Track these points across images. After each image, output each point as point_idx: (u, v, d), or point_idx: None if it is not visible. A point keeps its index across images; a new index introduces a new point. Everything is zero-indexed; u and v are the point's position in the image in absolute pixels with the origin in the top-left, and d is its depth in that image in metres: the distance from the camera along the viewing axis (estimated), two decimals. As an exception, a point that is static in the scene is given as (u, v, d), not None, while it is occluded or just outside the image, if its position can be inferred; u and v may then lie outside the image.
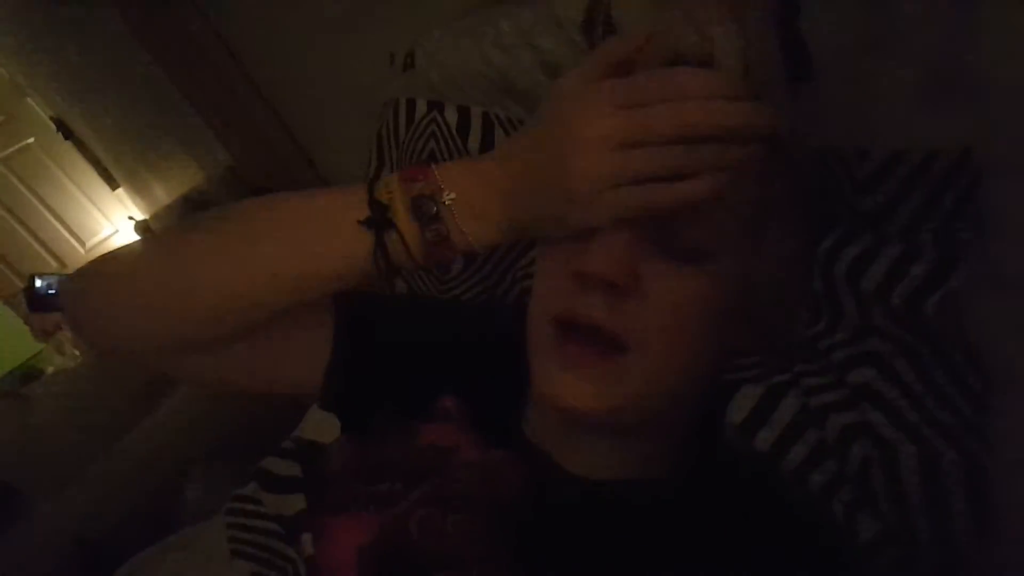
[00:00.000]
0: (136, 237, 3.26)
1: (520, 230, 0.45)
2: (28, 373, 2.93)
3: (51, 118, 3.41)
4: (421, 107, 0.90)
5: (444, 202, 0.43)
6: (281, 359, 0.56)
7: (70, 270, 3.51)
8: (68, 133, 3.37)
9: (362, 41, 1.41)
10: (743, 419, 0.55)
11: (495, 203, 0.44)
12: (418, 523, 0.49)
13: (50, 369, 2.79)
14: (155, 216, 3.20)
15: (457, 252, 0.45)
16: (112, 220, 3.67)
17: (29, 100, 3.44)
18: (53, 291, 2.72)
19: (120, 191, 3.53)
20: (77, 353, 2.75)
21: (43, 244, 3.49)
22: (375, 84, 1.11)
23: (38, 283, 2.71)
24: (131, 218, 3.46)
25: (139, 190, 3.33)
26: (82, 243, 3.61)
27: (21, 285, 3.15)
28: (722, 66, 0.42)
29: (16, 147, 3.42)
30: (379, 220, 0.44)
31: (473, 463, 0.53)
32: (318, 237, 0.47)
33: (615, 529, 0.48)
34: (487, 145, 0.83)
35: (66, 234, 3.56)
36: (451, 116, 0.86)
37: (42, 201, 3.49)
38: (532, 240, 0.79)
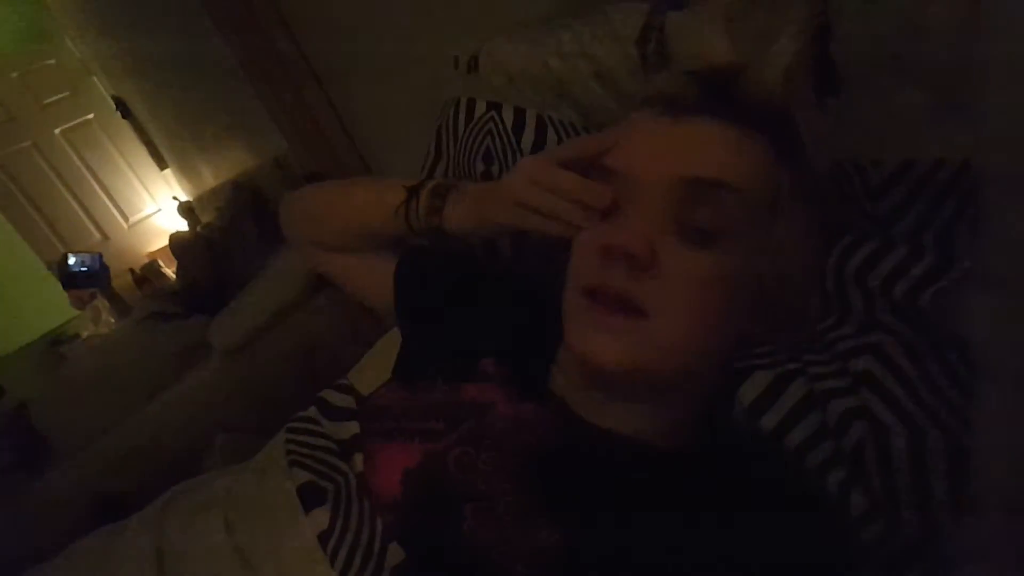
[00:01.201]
0: (179, 217, 3.38)
1: (483, 221, 0.64)
2: (63, 336, 3.05)
3: (112, 97, 3.56)
4: (480, 106, 0.98)
5: (451, 194, 0.66)
6: (371, 274, 0.79)
7: (112, 243, 3.65)
8: (126, 112, 3.52)
9: (424, 49, 1.50)
10: (752, 400, 0.61)
11: (474, 203, 0.64)
12: (455, 459, 0.56)
13: (85, 334, 2.89)
14: (199, 198, 3.32)
15: (439, 222, 0.67)
16: (156, 199, 3.80)
17: (94, 78, 3.60)
18: (85, 268, 2.81)
19: (167, 172, 3.67)
20: (112, 321, 2.85)
21: (89, 215, 3.64)
22: (432, 86, 1.20)
23: (71, 260, 2.80)
24: (175, 198, 3.59)
25: (187, 172, 3.46)
26: (126, 218, 3.75)
27: (64, 252, 3.27)
28: (758, 78, 0.50)
29: (76, 121, 3.58)
30: (415, 189, 0.69)
31: (506, 414, 0.59)
32: (388, 194, 0.71)
33: (623, 474, 0.54)
34: (539, 144, 0.91)
35: (112, 208, 3.71)
36: (508, 116, 0.94)
37: (94, 175, 3.65)
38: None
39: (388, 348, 1.21)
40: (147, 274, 3.46)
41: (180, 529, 0.65)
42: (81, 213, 3.60)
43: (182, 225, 3.40)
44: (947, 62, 0.48)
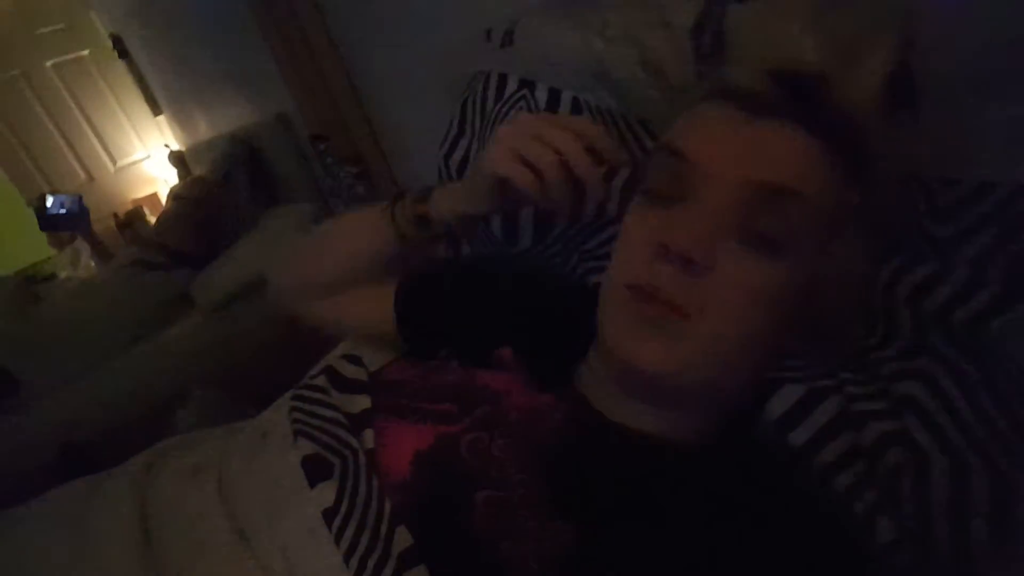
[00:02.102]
0: (169, 166, 3.28)
1: (473, 198, 0.63)
2: (39, 275, 2.96)
3: (110, 34, 3.44)
4: (512, 83, 0.94)
5: (436, 189, 0.66)
6: (372, 305, 0.76)
7: (96, 185, 3.54)
8: (123, 52, 3.40)
9: (445, 14, 1.45)
10: (782, 414, 0.59)
11: (463, 183, 0.64)
12: (468, 444, 0.53)
13: (63, 274, 2.81)
14: (191, 149, 3.23)
15: (427, 214, 0.66)
16: (147, 145, 3.70)
17: (92, 13, 3.47)
18: (64, 210, 2.71)
19: (161, 118, 3.56)
20: (92, 265, 2.76)
21: (76, 155, 3.53)
22: (450, 53, 1.15)
23: (49, 201, 2.69)
24: (166, 146, 3.49)
25: (181, 121, 3.36)
26: (113, 161, 3.65)
27: (47, 189, 3.17)
28: (848, 93, 0.48)
29: (70, 56, 3.46)
30: (398, 195, 0.68)
31: (521, 404, 0.56)
32: (370, 211, 0.71)
33: (642, 472, 0.52)
34: (572, 128, 0.87)
35: (100, 150, 3.60)
36: (541, 96, 0.90)
37: (83, 113, 3.53)
38: (597, 225, 0.83)
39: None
40: (131, 220, 3.37)
41: (167, 492, 0.62)
42: (67, 151, 3.48)
43: (171, 175, 3.31)
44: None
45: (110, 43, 3.45)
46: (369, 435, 0.55)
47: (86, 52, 3.50)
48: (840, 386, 0.59)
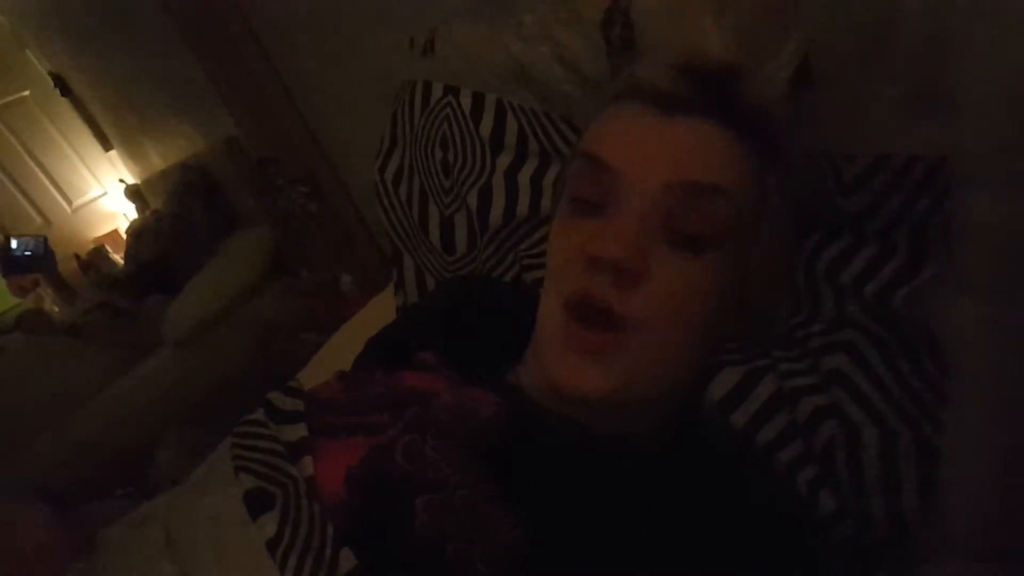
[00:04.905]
0: (125, 201, 3.24)
1: None
2: (2, 326, 2.90)
3: (49, 73, 3.38)
4: (437, 91, 0.93)
5: None
6: None
7: (54, 228, 3.48)
8: (66, 90, 3.35)
9: (379, 23, 1.44)
10: (722, 397, 0.60)
11: None
12: (402, 448, 0.53)
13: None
14: (147, 181, 3.18)
15: None
16: (102, 182, 3.64)
17: (28, 52, 3.40)
18: (29, 252, 2.66)
19: (113, 153, 3.51)
20: (56, 310, 2.72)
21: (29, 200, 3.46)
22: (388, 66, 1.14)
23: (13, 244, 2.65)
24: (122, 181, 3.43)
25: (133, 154, 3.31)
26: (69, 202, 3.59)
27: (1, 237, 3.10)
28: (759, 86, 0.48)
29: (10, 98, 3.39)
30: None
31: (450, 402, 0.57)
32: None
33: (587, 464, 0.53)
34: (498, 131, 0.87)
35: (54, 191, 3.53)
36: (466, 101, 0.89)
37: (32, 156, 3.46)
38: (531, 225, 0.83)
39: (338, 349, 1.17)
40: (93, 260, 3.32)
41: (114, 541, 0.61)
42: (19, 196, 3.41)
43: (130, 209, 3.26)
44: (921, 54, 0.46)
45: (51, 82, 3.39)
46: (307, 462, 0.55)
47: (27, 92, 3.43)
48: (775, 364, 0.59)
